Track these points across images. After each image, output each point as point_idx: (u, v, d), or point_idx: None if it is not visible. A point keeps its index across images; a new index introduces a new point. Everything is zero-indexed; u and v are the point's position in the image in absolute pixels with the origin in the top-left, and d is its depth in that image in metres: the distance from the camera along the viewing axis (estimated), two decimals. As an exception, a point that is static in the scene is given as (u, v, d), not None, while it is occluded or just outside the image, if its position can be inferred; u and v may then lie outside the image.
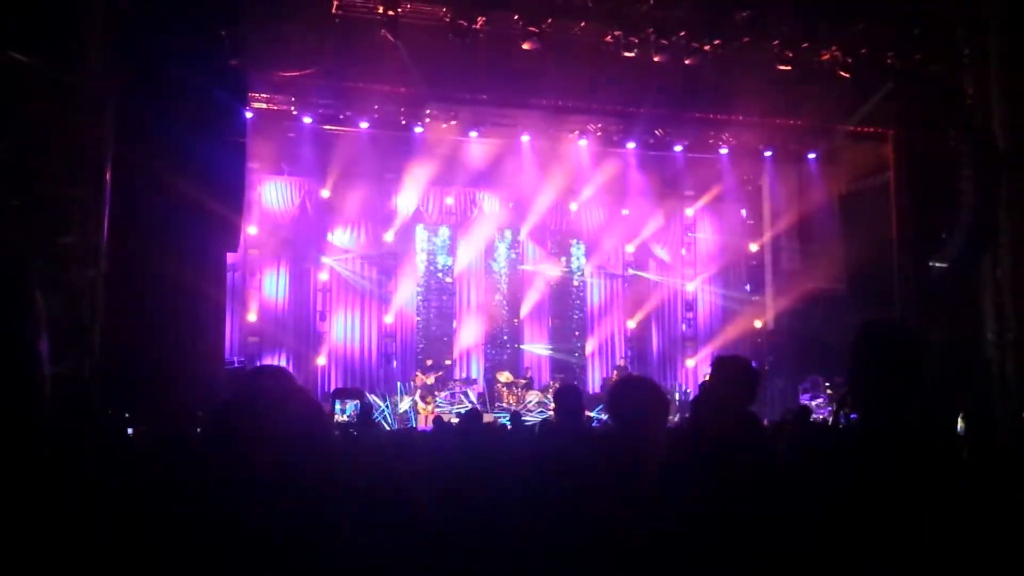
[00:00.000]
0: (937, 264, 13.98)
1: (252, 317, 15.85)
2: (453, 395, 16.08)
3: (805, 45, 13.40)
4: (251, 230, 15.28)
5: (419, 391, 15.32)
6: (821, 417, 12.51)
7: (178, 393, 9.17)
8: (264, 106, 14.37)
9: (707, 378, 3.18)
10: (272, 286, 16.38)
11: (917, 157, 14.19)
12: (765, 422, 7.91)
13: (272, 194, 16.29)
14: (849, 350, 2.19)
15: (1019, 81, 13.09)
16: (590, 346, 18.82)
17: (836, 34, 13.30)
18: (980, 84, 13.62)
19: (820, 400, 15.04)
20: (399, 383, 16.45)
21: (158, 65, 11.05)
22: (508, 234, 18.51)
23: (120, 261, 10.41)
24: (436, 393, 15.46)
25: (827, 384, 15.47)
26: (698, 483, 2.91)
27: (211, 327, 11.54)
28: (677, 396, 16.84)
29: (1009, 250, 13.26)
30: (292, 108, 14.79)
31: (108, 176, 10.58)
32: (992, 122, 13.44)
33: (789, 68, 13.43)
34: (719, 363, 3.20)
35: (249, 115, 14.09)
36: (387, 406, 15.07)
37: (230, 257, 13.23)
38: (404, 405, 15.20)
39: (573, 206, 18.28)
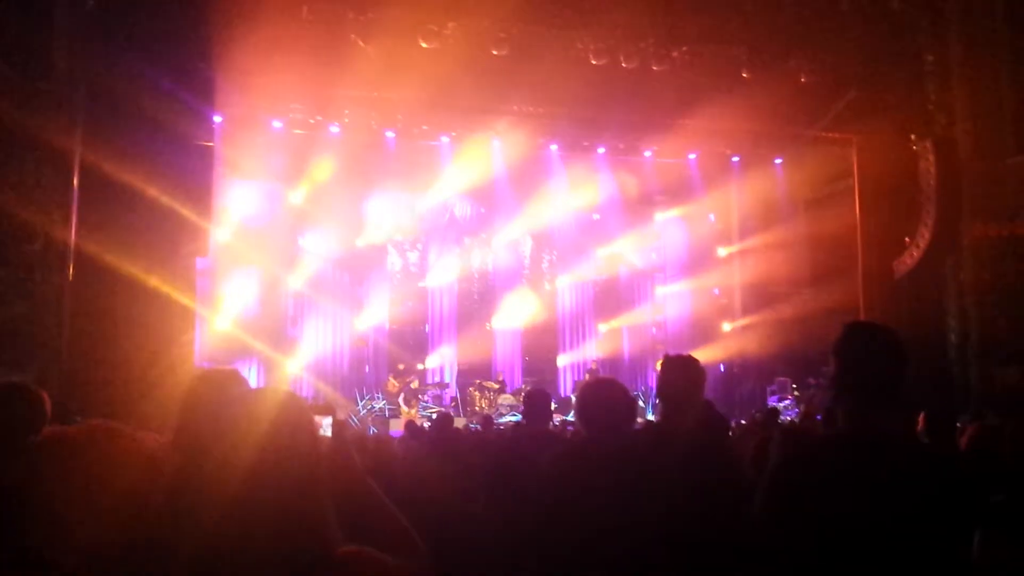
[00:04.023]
0: (900, 268, 14.22)
1: (223, 323, 15.75)
2: (426, 399, 16.08)
3: (770, 51, 13.59)
4: (222, 235, 15.19)
5: (403, 393, 15.32)
6: (789, 418, 12.68)
7: (148, 400, 9.09)
8: (234, 110, 14.29)
9: (658, 378, 3.19)
10: (243, 291, 16.28)
11: (880, 162, 14.43)
12: (733, 423, 8.03)
13: (243, 199, 16.19)
14: (834, 351, 2.17)
15: (981, 87, 13.37)
16: (562, 352, 18.93)
17: (800, 41, 13.49)
18: (942, 90, 13.88)
19: (787, 402, 15.23)
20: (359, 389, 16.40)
21: (125, 70, 10.96)
22: (480, 239, 18.55)
23: (87, 268, 10.32)
24: (409, 397, 15.45)
25: (794, 386, 15.67)
26: (666, 482, 2.96)
27: (182, 333, 11.45)
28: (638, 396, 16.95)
29: (971, 254, 13.52)
30: (263, 112, 14.72)
31: (75, 182, 10.50)
32: (954, 127, 13.71)
33: (754, 75, 13.61)
34: (667, 363, 3.23)
35: (218, 119, 14.02)
36: (362, 410, 15.05)
37: (200, 262, 13.15)
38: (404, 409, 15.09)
39: (544, 210, 18.36)
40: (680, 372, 3.13)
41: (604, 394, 3.39)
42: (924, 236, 13.82)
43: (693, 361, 3.18)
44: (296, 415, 1.55)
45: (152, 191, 10.81)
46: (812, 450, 2.25)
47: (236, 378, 2.50)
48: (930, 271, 14.05)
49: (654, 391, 17.83)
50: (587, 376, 17.24)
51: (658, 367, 18.32)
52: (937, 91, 13.97)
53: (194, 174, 12.06)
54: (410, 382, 15.69)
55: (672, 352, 3.29)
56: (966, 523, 2.13)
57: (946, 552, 2.00)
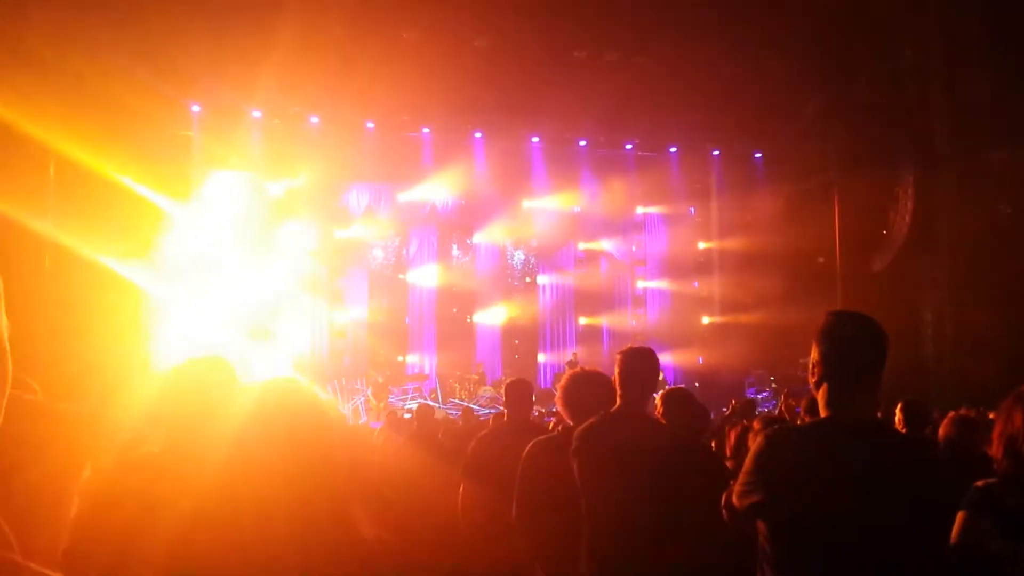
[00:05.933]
0: (877, 262, 14.33)
1: (201, 315, 15.57)
2: (406, 391, 16.06)
3: (750, 46, 13.62)
4: (200, 225, 15.00)
5: (371, 387, 15.27)
6: (767, 410, 12.75)
7: (122, 393, 9.00)
8: (213, 99, 14.15)
9: (621, 367, 3.19)
10: (221, 283, 16.09)
11: (859, 157, 14.52)
12: (712, 415, 8.06)
13: (221, 188, 15.99)
14: (817, 337, 2.16)
15: (959, 83, 13.46)
16: (542, 345, 18.94)
17: (779, 35, 13.52)
18: (921, 85, 13.97)
19: (765, 394, 15.31)
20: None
21: (103, 59, 10.84)
22: (461, 231, 18.51)
23: (59, 257, 10.21)
24: (378, 391, 15.42)
25: (772, 378, 15.75)
26: (649, 468, 2.97)
27: (158, 324, 11.37)
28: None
29: (946, 248, 13.65)
30: (242, 102, 14.56)
31: (51, 172, 10.39)
32: (932, 123, 13.81)
33: (734, 69, 13.64)
34: (630, 353, 3.23)
35: (196, 108, 13.90)
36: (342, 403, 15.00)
37: (178, 253, 13.01)
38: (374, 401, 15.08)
39: (525, 203, 18.32)
40: (642, 362, 3.18)
41: (589, 385, 3.42)
42: (901, 231, 13.94)
43: (651, 352, 3.24)
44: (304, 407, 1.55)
45: (127, 180, 10.72)
46: (795, 435, 2.26)
47: (221, 366, 2.49)
48: (906, 266, 14.17)
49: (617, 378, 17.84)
50: (567, 367, 17.25)
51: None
52: (916, 86, 14.07)
53: (170, 163, 11.97)
54: (378, 377, 15.65)
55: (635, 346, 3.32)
56: (949, 509, 2.16)
57: (930, 536, 2.02)
